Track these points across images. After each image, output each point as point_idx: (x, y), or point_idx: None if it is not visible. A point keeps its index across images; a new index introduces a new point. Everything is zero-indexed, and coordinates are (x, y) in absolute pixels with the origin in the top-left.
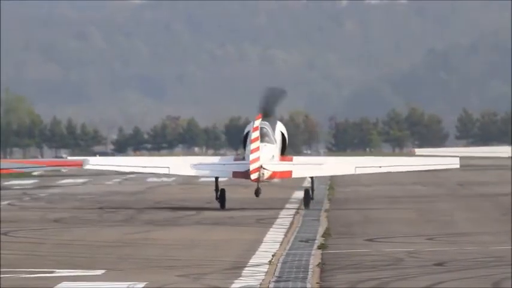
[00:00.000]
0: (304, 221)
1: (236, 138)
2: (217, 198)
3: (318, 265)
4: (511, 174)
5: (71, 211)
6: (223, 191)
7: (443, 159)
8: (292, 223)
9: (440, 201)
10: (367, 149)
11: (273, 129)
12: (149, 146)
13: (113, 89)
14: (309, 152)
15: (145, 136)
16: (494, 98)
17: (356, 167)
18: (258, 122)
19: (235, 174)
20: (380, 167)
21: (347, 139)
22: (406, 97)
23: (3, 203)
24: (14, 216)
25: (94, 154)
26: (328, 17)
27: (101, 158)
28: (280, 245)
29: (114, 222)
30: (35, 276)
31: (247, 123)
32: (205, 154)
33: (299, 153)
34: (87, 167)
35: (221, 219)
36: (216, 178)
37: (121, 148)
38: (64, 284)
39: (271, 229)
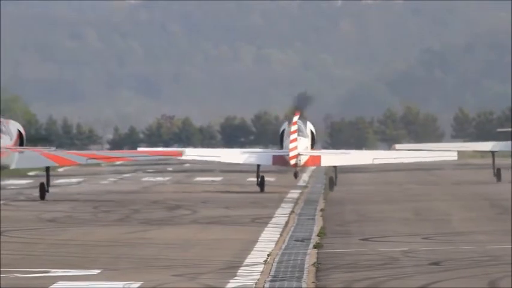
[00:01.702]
0: (300, 220)
1: (232, 138)
2: (258, 184)
3: (313, 264)
4: (511, 173)
5: (66, 211)
6: (262, 177)
7: (443, 152)
8: (287, 222)
9: (436, 200)
10: (363, 148)
11: (305, 126)
12: (145, 145)
13: (108, 89)
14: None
15: (141, 135)
16: (491, 97)
17: (374, 158)
18: (295, 118)
19: (275, 160)
20: (394, 158)
21: (343, 138)
22: (402, 96)
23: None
24: (9, 215)
25: None
26: (323, 17)
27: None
28: (276, 244)
29: (110, 222)
30: (30, 276)
31: (243, 122)
32: None
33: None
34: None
35: (216, 219)
36: (258, 166)
37: (116, 147)
38: (59, 283)
39: (266, 228)
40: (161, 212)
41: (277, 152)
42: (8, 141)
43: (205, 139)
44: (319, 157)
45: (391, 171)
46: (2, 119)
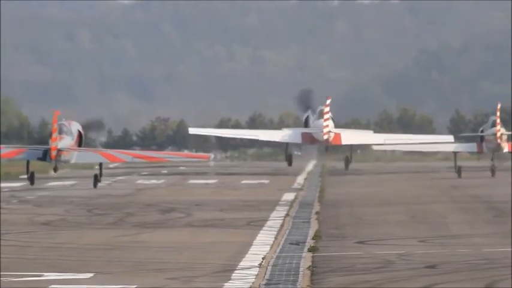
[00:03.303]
0: (295, 223)
1: (226, 140)
2: (286, 159)
3: (308, 268)
4: (511, 175)
5: (60, 214)
6: (291, 155)
7: (440, 136)
8: (282, 225)
9: (433, 203)
10: (358, 151)
11: None
12: (138, 148)
13: (101, 90)
14: (299, 153)
15: (134, 138)
16: (487, 98)
17: (385, 139)
18: (328, 101)
19: (304, 137)
20: (402, 140)
21: None
22: (397, 98)
23: None
24: (2, 219)
25: None
26: (319, 17)
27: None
28: (271, 247)
29: (103, 225)
30: (23, 280)
31: (237, 124)
32: None
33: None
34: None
35: (211, 222)
36: (287, 144)
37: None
38: (53, 287)
39: (261, 231)
40: (155, 215)
41: (306, 129)
42: (70, 140)
43: (200, 142)
44: (339, 134)
45: (386, 173)
46: (64, 121)
